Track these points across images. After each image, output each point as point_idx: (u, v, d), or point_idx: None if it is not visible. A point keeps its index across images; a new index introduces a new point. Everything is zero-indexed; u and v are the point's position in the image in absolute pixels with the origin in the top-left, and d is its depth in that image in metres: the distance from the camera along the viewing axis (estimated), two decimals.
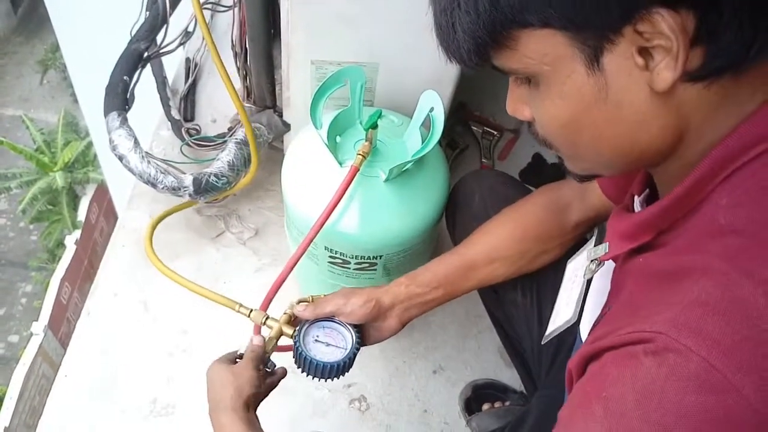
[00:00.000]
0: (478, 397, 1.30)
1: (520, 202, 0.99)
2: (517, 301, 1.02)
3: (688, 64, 0.48)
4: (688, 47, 0.47)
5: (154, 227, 1.25)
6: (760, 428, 0.44)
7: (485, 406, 1.28)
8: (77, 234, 8.07)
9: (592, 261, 0.73)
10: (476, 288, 0.98)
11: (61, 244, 8.46)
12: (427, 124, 1.09)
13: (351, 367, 0.89)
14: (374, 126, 1.03)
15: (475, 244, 0.96)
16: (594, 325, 0.70)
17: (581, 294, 0.80)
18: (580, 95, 0.52)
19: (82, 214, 8.56)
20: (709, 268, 0.48)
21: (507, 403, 1.28)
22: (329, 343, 0.88)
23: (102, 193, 8.33)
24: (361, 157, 1.02)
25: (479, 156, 1.62)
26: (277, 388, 1.28)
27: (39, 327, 7.03)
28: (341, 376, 0.89)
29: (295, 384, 1.29)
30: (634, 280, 0.59)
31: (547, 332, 0.88)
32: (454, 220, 1.12)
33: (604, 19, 0.47)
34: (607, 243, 0.66)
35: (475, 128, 1.65)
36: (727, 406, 0.44)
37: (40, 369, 6.65)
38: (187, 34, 1.53)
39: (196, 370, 1.29)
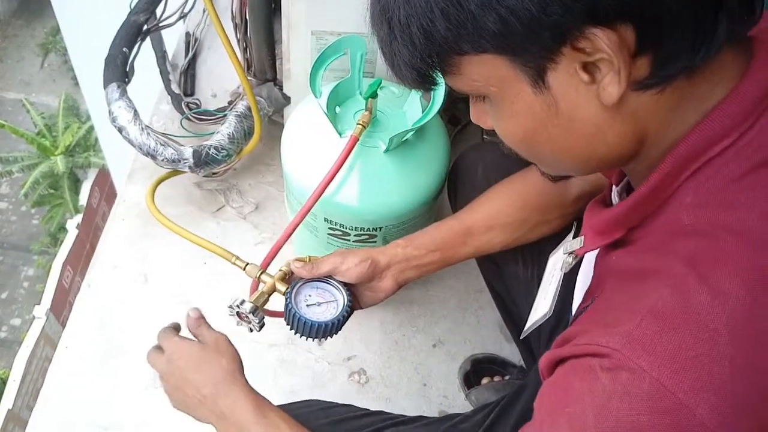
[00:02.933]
0: (478, 371, 1.30)
1: (521, 172, 0.99)
2: (518, 273, 1.02)
3: (634, 74, 0.48)
4: (629, 61, 0.47)
5: (157, 184, 1.25)
6: None
7: (484, 380, 1.28)
8: (79, 218, 8.08)
9: (569, 254, 0.73)
10: (474, 255, 0.98)
11: (62, 228, 8.48)
12: (427, 96, 1.08)
13: (340, 328, 0.88)
14: (374, 95, 1.02)
15: (474, 211, 0.96)
16: (576, 315, 0.70)
17: (558, 288, 0.80)
18: (531, 113, 0.53)
19: (83, 198, 8.58)
20: (670, 272, 0.49)
21: (506, 378, 1.28)
22: (320, 303, 0.88)
23: (103, 178, 8.32)
24: (360, 126, 1.01)
25: (480, 132, 1.61)
26: (276, 359, 1.29)
27: (41, 310, 7.06)
28: (330, 337, 0.88)
29: (295, 356, 1.30)
30: (609, 277, 0.60)
31: (526, 326, 0.88)
32: (456, 192, 1.12)
33: (538, 45, 0.47)
34: (583, 236, 0.66)
35: None
36: (680, 426, 0.44)
37: (43, 352, 6.69)
38: (186, 7, 1.52)
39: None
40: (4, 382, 6.41)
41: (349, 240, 1.12)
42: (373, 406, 0.93)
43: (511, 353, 1.32)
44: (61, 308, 7.35)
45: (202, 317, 0.86)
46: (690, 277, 0.47)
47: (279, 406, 0.85)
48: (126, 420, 1.22)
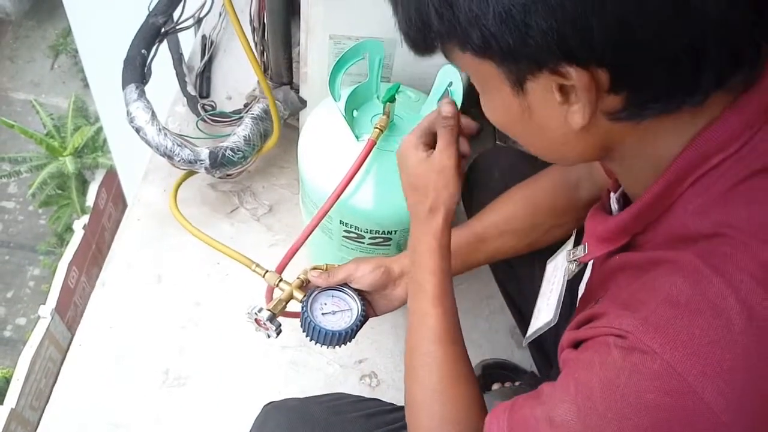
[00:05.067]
0: (488, 376, 1.30)
1: (532, 178, 1.00)
2: (531, 275, 1.02)
3: (606, 106, 0.50)
4: (595, 100, 0.50)
5: (177, 187, 1.26)
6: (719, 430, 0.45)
7: (495, 386, 1.28)
8: (85, 219, 8.11)
9: (571, 262, 0.74)
10: (487, 262, 0.99)
11: (69, 229, 8.49)
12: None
13: (354, 336, 0.90)
14: (392, 99, 1.03)
15: (486, 217, 0.96)
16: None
17: (561, 295, 0.81)
18: (508, 110, 0.56)
19: (90, 199, 8.59)
20: (682, 261, 0.50)
21: (517, 383, 1.28)
22: (335, 311, 0.89)
23: (111, 179, 8.36)
24: (378, 130, 1.02)
25: (494, 138, 1.62)
26: (288, 361, 1.29)
27: (46, 310, 7.07)
28: (344, 344, 0.90)
29: (307, 358, 1.30)
30: (617, 273, 0.61)
31: (528, 333, 0.88)
32: (472, 196, 1.12)
33: (517, 65, 0.51)
34: (586, 244, 0.68)
35: None
36: (686, 408, 0.46)
37: (47, 352, 6.70)
38: (204, 10, 1.53)
39: (208, 342, 1.30)
40: (8, 382, 6.40)
41: (363, 243, 1.13)
42: None
43: (522, 359, 1.32)
44: (66, 308, 7.36)
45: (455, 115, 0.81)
46: (703, 267, 0.49)
47: (309, 397, 0.86)
48: (138, 419, 1.22)
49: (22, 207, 9.57)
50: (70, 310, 7.43)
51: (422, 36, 0.54)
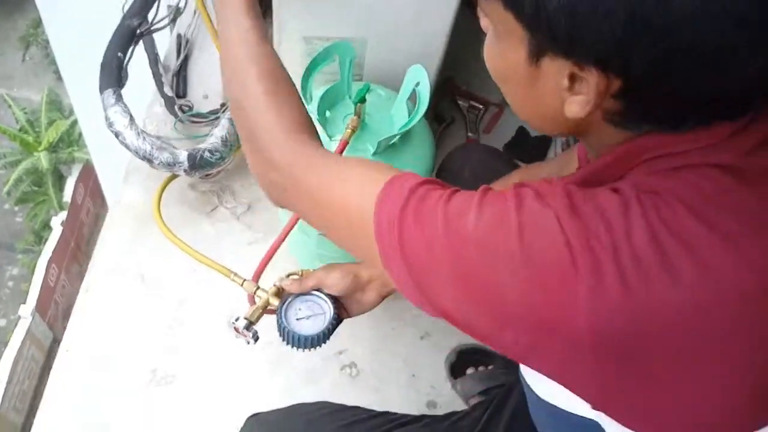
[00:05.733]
0: (464, 361, 1.35)
1: (502, 179, 1.04)
2: None
3: (606, 106, 0.54)
4: (600, 102, 0.53)
5: (160, 195, 1.28)
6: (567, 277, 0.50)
7: (469, 370, 1.34)
8: (63, 215, 8.02)
9: None
10: None
11: (47, 226, 8.39)
12: (414, 99, 1.13)
13: (328, 338, 0.95)
14: (363, 100, 1.07)
15: None
16: None
17: None
18: (514, 68, 0.58)
19: (68, 195, 8.48)
20: (622, 187, 0.55)
21: (489, 367, 1.34)
22: (309, 316, 0.95)
23: (88, 173, 8.25)
24: (350, 130, 1.05)
25: (465, 129, 1.66)
26: (271, 358, 1.33)
27: (27, 310, 7.00)
28: (319, 347, 0.95)
29: (289, 354, 1.34)
30: None
31: None
32: None
33: (550, 43, 0.53)
34: None
35: (461, 102, 1.69)
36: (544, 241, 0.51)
37: (29, 352, 6.65)
38: (178, 11, 1.55)
39: (194, 341, 1.34)
40: None
41: None
42: (363, 398, 0.99)
43: None
44: (46, 307, 7.29)
45: None
46: (632, 193, 0.53)
47: (293, 406, 0.91)
48: (128, 420, 1.26)
49: None
50: (51, 309, 7.37)
51: None
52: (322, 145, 0.76)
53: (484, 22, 0.61)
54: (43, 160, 8.80)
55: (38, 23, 9.13)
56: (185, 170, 1.31)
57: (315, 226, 0.78)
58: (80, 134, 8.41)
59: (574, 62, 0.52)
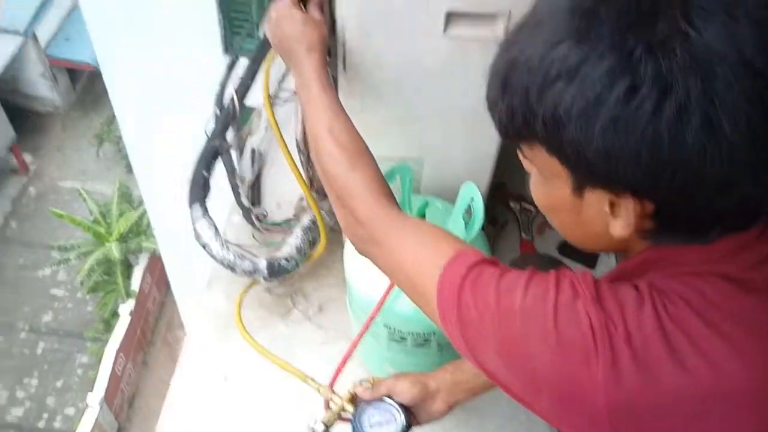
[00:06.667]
0: None
1: None
2: None
3: (641, 225, 0.63)
4: (638, 223, 0.63)
5: (240, 302, 1.40)
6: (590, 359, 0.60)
7: None
8: (131, 303, 8.26)
9: None
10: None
11: (115, 314, 8.65)
12: (469, 212, 1.24)
13: None
14: (422, 215, 1.19)
15: None
16: None
17: None
18: (561, 201, 0.68)
19: (135, 284, 8.77)
20: (640, 283, 0.66)
21: None
22: (381, 422, 1.01)
23: (155, 263, 8.53)
24: None
25: (518, 231, 1.75)
26: None
27: (94, 399, 7.14)
28: None
29: None
30: None
31: None
32: None
33: (590, 178, 0.63)
34: None
35: (513, 205, 1.79)
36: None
37: None
38: (251, 130, 1.74)
39: None
40: None
41: (407, 344, 1.26)
42: None
43: None
44: (113, 396, 7.41)
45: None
46: (646, 290, 0.64)
47: None
48: None
49: (71, 294, 9.83)
50: (117, 398, 7.49)
51: (517, 130, 0.64)
52: (400, 207, 0.90)
53: (527, 164, 0.71)
54: (114, 250, 9.17)
55: (111, 120, 9.78)
56: (264, 277, 1.44)
57: (389, 277, 0.90)
58: (148, 224, 8.79)
59: (612, 191, 0.61)
